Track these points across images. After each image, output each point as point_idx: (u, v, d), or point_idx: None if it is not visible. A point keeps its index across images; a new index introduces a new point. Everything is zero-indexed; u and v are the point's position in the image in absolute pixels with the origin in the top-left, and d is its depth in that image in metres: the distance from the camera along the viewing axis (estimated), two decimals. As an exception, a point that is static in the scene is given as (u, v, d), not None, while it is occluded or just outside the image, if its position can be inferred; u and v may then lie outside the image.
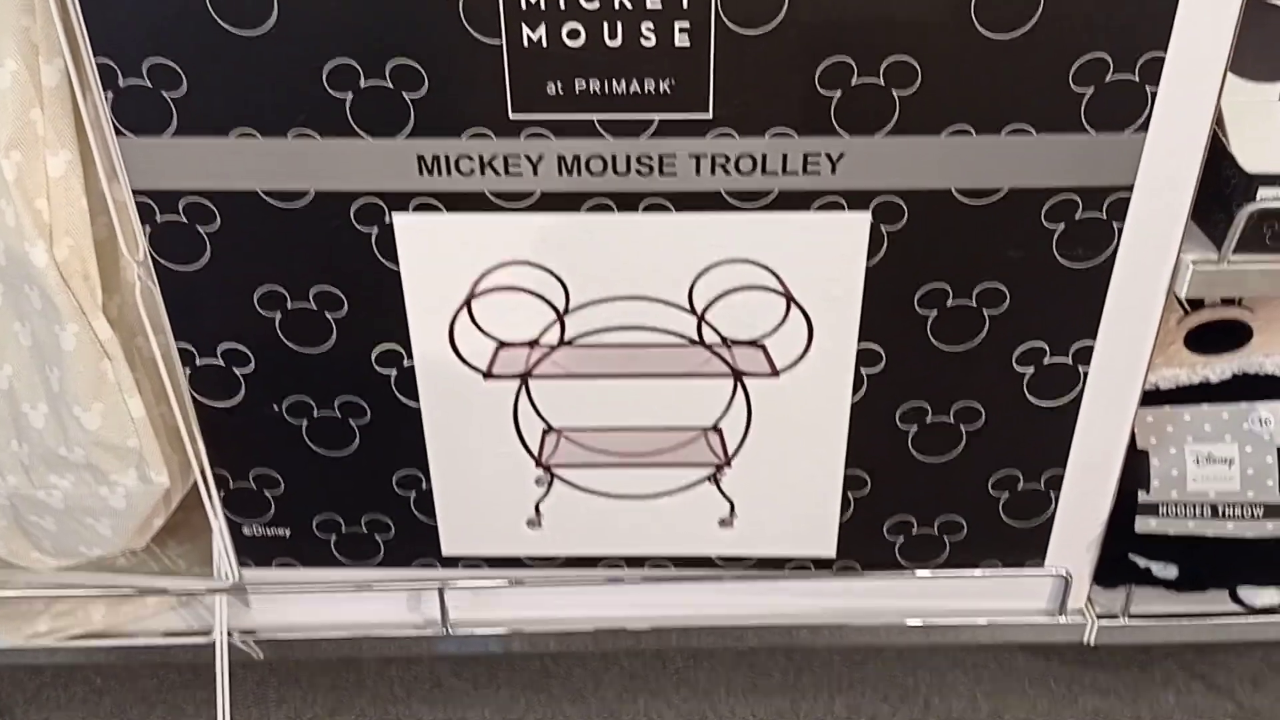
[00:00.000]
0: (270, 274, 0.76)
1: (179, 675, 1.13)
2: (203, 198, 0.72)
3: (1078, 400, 0.81)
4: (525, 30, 0.66)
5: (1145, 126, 0.69)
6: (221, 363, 0.80)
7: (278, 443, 0.84)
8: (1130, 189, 0.72)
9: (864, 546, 0.89)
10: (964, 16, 0.65)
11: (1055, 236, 0.73)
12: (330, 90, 0.68)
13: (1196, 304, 0.86)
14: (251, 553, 0.91)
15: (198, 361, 0.80)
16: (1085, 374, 0.80)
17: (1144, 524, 0.86)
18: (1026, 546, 0.90)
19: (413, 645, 0.97)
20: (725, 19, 0.65)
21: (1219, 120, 0.73)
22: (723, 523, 0.88)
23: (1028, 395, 0.81)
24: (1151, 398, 0.86)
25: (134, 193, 0.72)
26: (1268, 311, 0.85)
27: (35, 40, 0.70)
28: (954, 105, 0.68)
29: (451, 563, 0.91)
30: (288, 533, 0.89)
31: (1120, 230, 0.73)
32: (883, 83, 0.67)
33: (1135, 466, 0.86)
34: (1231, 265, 0.74)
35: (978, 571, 0.91)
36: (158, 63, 0.67)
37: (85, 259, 0.76)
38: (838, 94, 0.68)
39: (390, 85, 0.68)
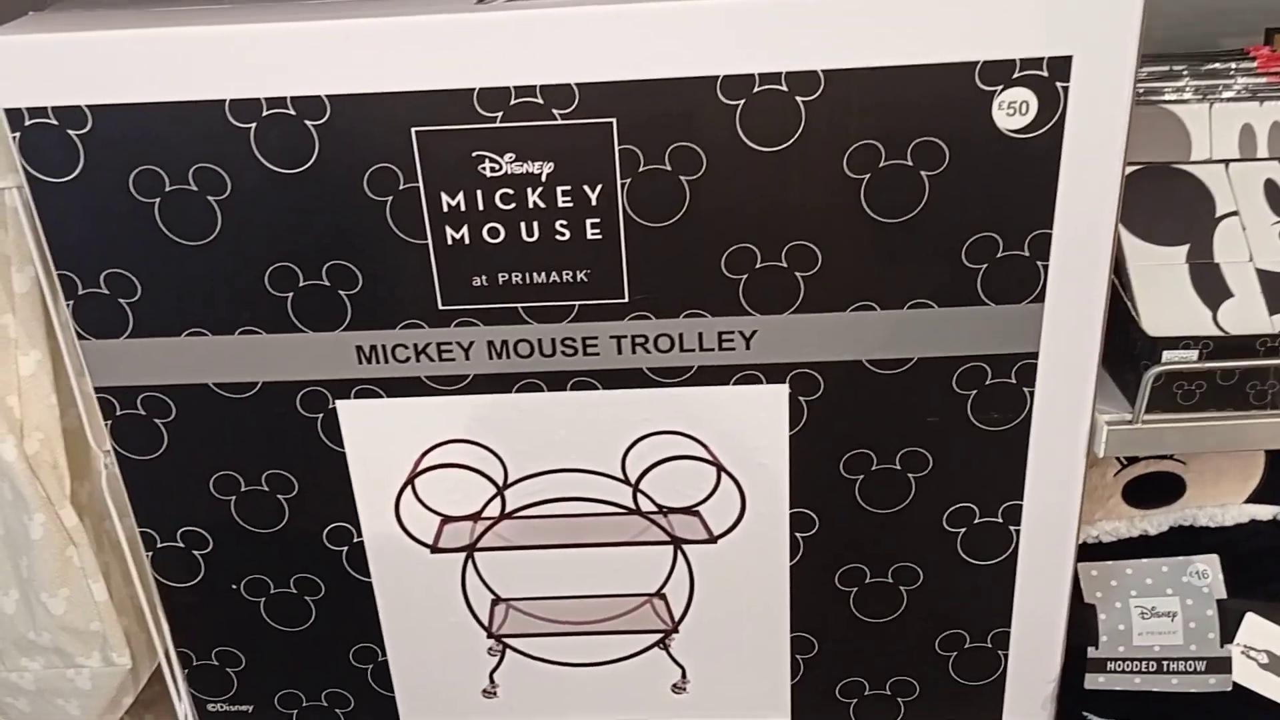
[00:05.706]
0: (224, 460, 0.80)
1: None
2: (159, 392, 0.77)
3: (1014, 558, 0.82)
4: (449, 230, 0.71)
5: (1041, 298, 0.72)
6: (181, 545, 0.83)
7: (238, 620, 0.86)
8: (1035, 355, 0.74)
9: (818, 709, 0.89)
10: (855, 203, 0.69)
11: (969, 402, 0.76)
12: (272, 291, 0.73)
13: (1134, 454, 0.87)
14: (218, 729, 0.93)
15: (159, 544, 0.83)
16: (1017, 532, 0.81)
17: (1093, 680, 0.86)
18: (981, 705, 0.89)
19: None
20: (633, 215, 0.70)
21: (1126, 284, 0.77)
22: (675, 688, 0.89)
23: (963, 555, 0.82)
24: (1095, 551, 0.87)
25: (96, 389, 0.77)
26: (1199, 464, 0.86)
27: (6, 252, 0.76)
28: (855, 284, 0.72)
29: (413, 734, 0.92)
30: (251, 709, 0.91)
31: (1031, 394, 0.76)
32: (785, 265, 0.71)
33: (1084, 621, 0.86)
34: (1146, 425, 0.76)
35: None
36: (114, 272, 0.73)
37: (54, 450, 0.81)
38: (744, 277, 0.72)
39: (328, 284, 0.73)
